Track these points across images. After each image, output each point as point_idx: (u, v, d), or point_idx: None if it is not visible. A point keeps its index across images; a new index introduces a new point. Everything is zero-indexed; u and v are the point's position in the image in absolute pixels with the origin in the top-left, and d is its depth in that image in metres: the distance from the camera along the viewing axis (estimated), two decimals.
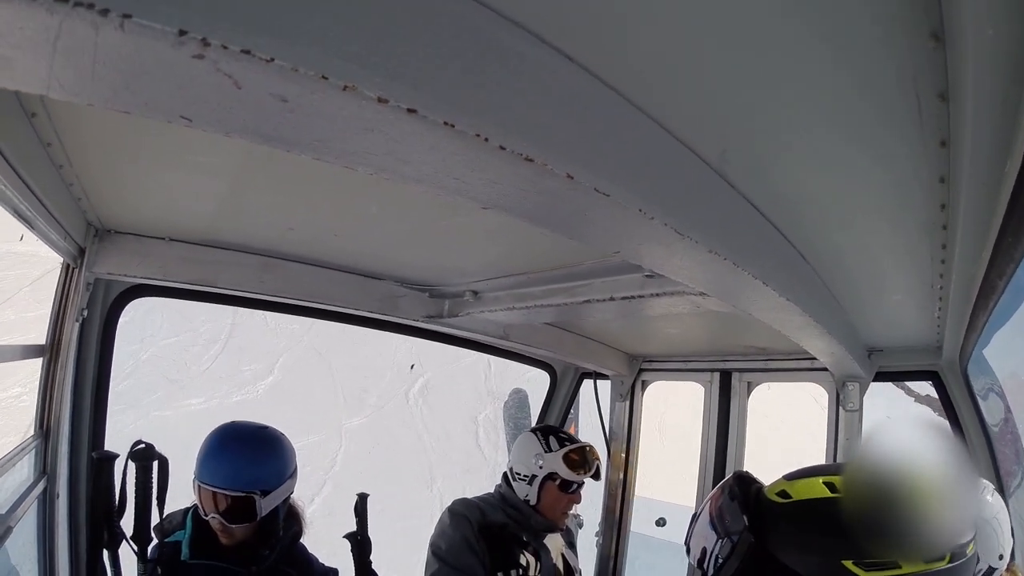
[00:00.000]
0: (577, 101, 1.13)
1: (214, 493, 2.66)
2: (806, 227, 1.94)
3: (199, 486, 2.68)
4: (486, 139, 0.92)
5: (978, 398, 3.40)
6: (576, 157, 1.09)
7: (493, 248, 2.49)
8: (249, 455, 2.78)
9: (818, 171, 1.58)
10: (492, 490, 3.72)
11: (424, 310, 3.17)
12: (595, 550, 4.82)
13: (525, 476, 3.53)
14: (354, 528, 3.33)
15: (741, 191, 1.66)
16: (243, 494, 2.69)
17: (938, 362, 3.40)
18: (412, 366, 24.86)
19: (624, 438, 4.69)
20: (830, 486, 1.49)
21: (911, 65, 1.11)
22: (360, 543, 3.32)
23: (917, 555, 1.33)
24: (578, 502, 3.66)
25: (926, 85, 1.15)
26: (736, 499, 1.66)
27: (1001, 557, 2.48)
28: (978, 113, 1.15)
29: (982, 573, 2.44)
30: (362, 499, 3.40)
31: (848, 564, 1.36)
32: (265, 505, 2.73)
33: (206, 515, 2.69)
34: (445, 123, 0.87)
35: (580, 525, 4.70)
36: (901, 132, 1.33)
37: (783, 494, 1.58)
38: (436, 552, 3.29)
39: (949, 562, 1.32)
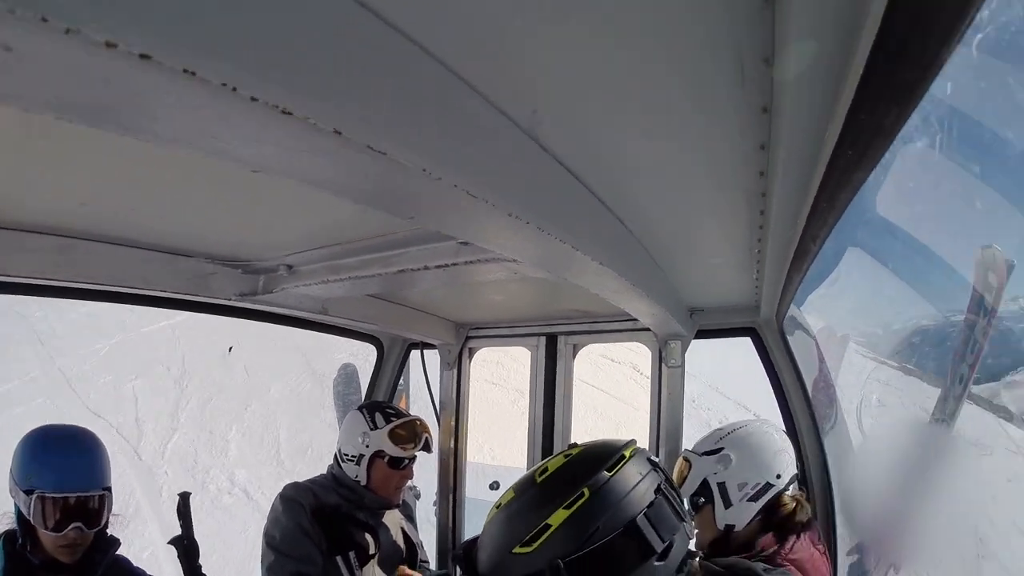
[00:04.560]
0: (350, 38, 1.00)
1: (66, 500, 2.45)
2: (625, 191, 1.93)
3: (42, 499, 2.42)
4: (234, 89, 0.81)
5: (794, 352, 3.55)
6: (346, 109, 0.98)
7: (305, 218, 2.34)
8: (87, 452, 2.58)
9: (636, 134, 1.56)
10: (325, 471, 3.61)
11: (237, 288, 2.96)
12: (435, 520, 4.83)
13: (353, 456, 3.45)
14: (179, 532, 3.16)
15: (554, 154, 1.62)
16: (99, 493, 2.52)
17: (756, 320, 3.59)
18: (231, 348, 23.61)
19: (453, 406, 4.70)
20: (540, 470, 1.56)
21: (737, 28, 1.08)
22: (187, 547, 3.16)
23: (554, 506, 1.40)
24: (410, 477, 3.60)
25: (751, 49, 1.14)
26: None
27: (779, 476, 2.74)
28: (801, 79, 1.15)
29: (759, 487, 2.72)
30: (184, 499, 3.22)
31: (517, 550, 1.41)
32: (111, 503, 2.58)
33: (53, 530, 2.44)
34: (185, 71, 0.75)
35: (417, 496, 4.68)
36: (723, 97, 1.32)
37: None
38: (270, 543, 3.17)
39: (591, 495, 1.39)
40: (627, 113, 1.45)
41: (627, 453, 1.51)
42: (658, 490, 1.46)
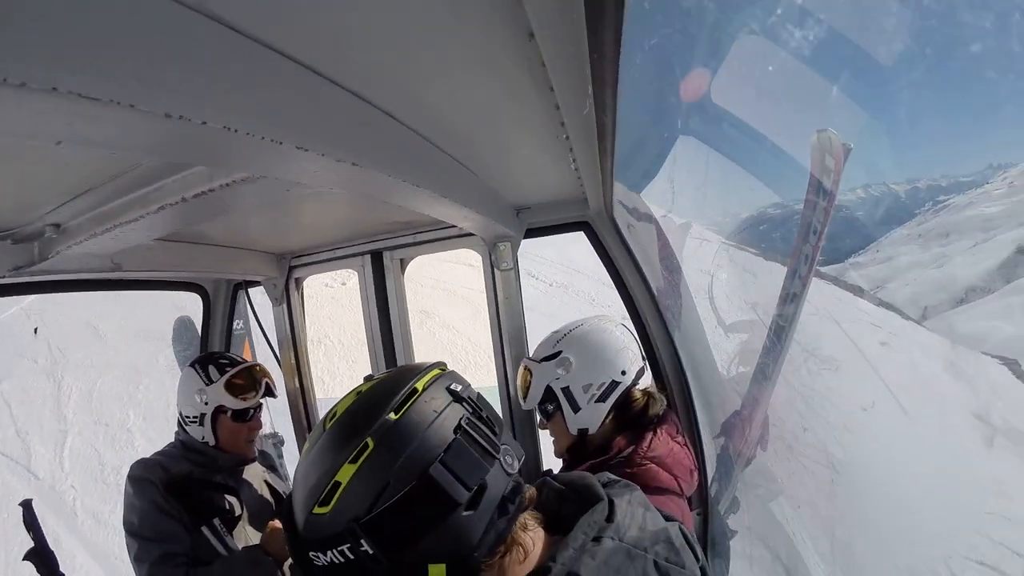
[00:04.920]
0: None
1: None
2: (393, 90, 1.72)
3: None
4: None
5: (629, 241, 3.52)
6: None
7: (50, 166, 1.99)
8: None
9: (384, 27, 1.35)
10: (173, 439, 3.40)
11: (10, 262, 2.55)
12: None
13: (195, 417, 3.27)
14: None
15: (299, 60, 1.40)
16: None
17: (587, 213, 3.51)
18: (36, 329, 21.67)
19: (290, 343, 4.51)
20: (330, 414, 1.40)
21: None
22: (43, 558, 2.96)
23: (340, 460, 1.24)
24: (259, 428, 3.45)
25: None
26: None
27: (624, 372, 2.71)
28: None
29: (604, 386, 2.70)
30: (26, 507, 2.99)
31: (315, 510, 1.26)
32: None
33: None
34: None
35: (281, 443, 4.54)
36: None
37: None
38: (131, 531, 2.96)
39: (375, 445, 1.23)
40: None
41: (419, 386, 1.34)
42: (459, 428, 1.29)
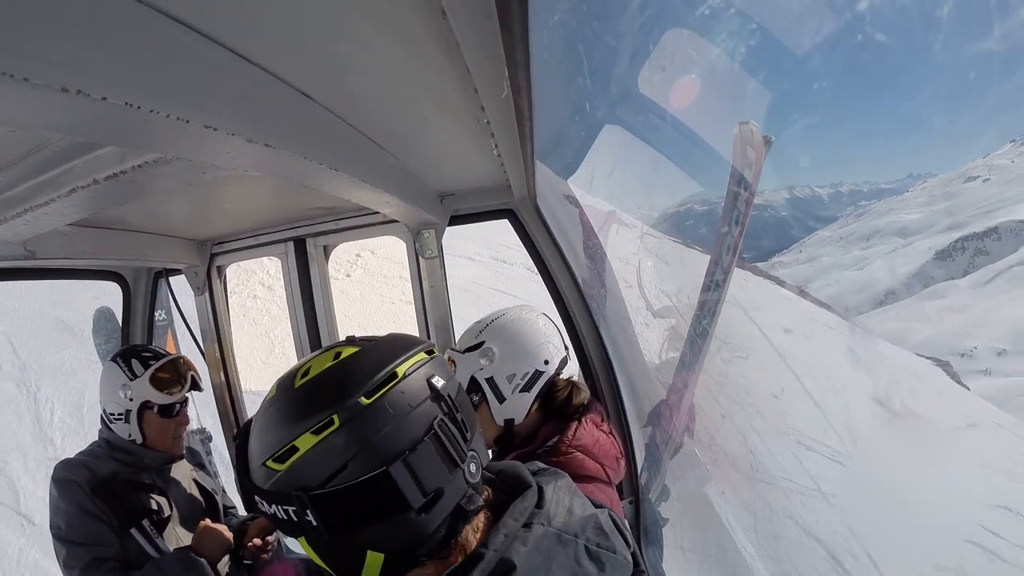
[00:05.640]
0: None
1: None
2: (308, 69, 1.70)
3: None
4: None
5: (553, 229, 3.54)
6: None
7: None
8: None
9: (296, 3, 1.34)
10: (98, 438, 3.29)
11: None
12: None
13: (120, 414, 3.17)
14: None
15: (208, 34, 1.36)
16: None
17: (511, 200, 3.52)
18: None
19: (214, 334, 4.40)
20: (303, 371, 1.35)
21: None
22: None
23: (302, 427, 1.20)
24: (186, 423, 3.37)
25: None
26: None
27: (547, 362, 2.72)
28: None
29: (528, 376, 2.70)
30: None
31: (269, 463, 1.23)
32: None
33: None
34: None
35: (208, 439, 4.42)
36: None
37: None
38: (58, 535, 2.89)
39: (340, 425, 1.19)
40: None
41: (400, 371, 1.27)
42: (430, 429, 1.23)
